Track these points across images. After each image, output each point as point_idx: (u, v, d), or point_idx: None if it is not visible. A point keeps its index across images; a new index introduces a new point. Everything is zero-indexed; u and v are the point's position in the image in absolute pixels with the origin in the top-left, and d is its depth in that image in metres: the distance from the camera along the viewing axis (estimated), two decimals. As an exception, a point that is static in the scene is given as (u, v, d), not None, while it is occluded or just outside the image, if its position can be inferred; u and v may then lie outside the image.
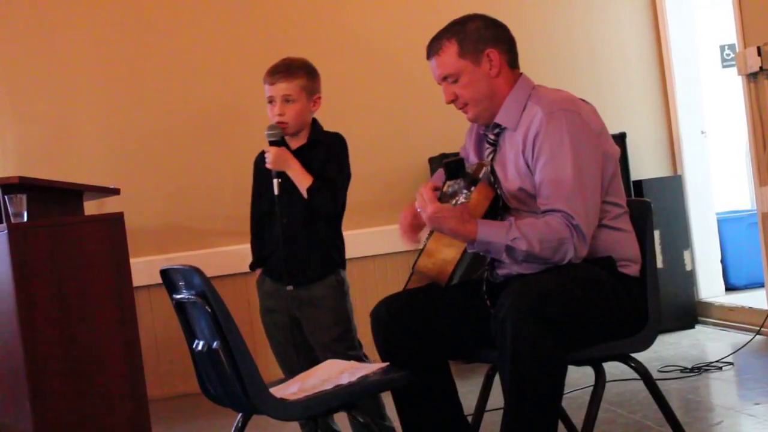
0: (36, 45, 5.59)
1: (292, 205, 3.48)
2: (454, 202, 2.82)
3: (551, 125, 2.89)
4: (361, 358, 3.47)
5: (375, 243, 5.59)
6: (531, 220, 2.87)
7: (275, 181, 3.47)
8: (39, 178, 4.13)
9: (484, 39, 3.00)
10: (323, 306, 3.50)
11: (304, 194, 3.44)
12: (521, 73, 3.07)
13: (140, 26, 5.68)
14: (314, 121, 3.58)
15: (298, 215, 3.49)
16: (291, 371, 3.44)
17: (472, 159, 3.19)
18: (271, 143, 3.49)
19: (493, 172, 3.03)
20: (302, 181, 3.45)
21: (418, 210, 2.93)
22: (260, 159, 3.60)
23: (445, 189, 2.90)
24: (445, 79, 3.03)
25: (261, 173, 3.60)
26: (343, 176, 3.52)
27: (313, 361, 3.35)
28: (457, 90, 3.02)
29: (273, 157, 3.47)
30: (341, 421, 3.54)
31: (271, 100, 3.51)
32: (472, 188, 2.87)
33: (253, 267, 3.67)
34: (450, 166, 2.90)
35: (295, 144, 3.55)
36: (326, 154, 3.50)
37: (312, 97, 3.52)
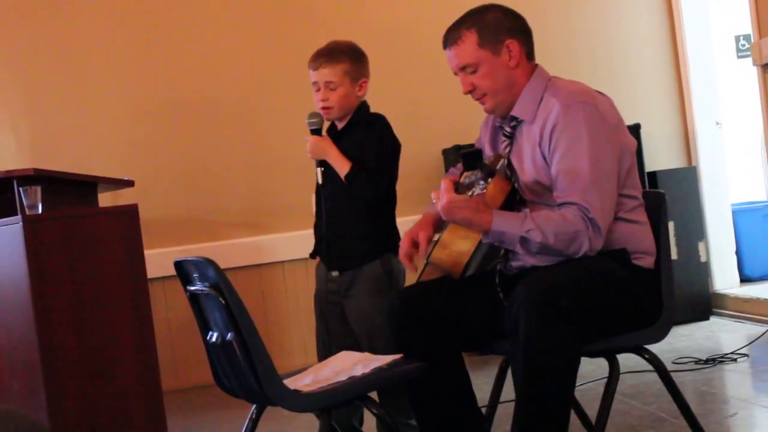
0: (50, 37, 5.59)
1: (335, 192, 3.47)
2: (470, 193, 2.81)
3: (568, 118, 2.88)
4: None
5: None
6: (547, 212, 2.87)
7: (318, 170, 3.48)
8: (53, 170, 4.14)
9: (503, 29, 2.99)
10: (366, 293, 3.47)
11: (344, 181, 3.43)
12: (537, 65, 3.07)
13: (154, 18, 5.68)
14: (362, 103, 3.54)
15: (342, 202, 3.47)
16: (325, 359, 3.42)
17: (487, 151, 3.18)
18: (312, 132, 3.49)
19: (509, 164, 3.02)
20: (341, 168, 3.42)
21: (434, 201, 2.92)
22: None
23: (461, 180, 2.88)
24: (463, 69, 3.02)
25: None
26: (383, 160, 3.45)
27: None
28: (476, 80, 3.01)
29: (311, 147, 3.47)
30: (369, 423, 3.53)
31: (315, 85, 3.49)
32: (489, 180, 2.86)
33: (313, 255, 3.66)
34: (467, 156, 2.88)
35: (341, 125, 3.54)
36: (364, 136, 3.46)
37: (357, 82, 3.48)
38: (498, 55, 2.99)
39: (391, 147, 3.50)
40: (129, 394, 3.85)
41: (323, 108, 3.47)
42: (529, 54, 3.05)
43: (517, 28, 3.02)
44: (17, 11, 5.57)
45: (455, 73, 3.07)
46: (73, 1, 5.62)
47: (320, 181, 3.49)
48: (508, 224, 2.83)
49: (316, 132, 3.49)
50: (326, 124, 3.57)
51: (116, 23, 5.64)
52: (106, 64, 5.63)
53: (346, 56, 3.47)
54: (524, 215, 2.85)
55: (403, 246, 3.10)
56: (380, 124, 3.50)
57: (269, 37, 5.70)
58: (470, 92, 3.05)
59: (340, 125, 3.55)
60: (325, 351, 3.52)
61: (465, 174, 2.88)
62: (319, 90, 3.47)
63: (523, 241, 2.82)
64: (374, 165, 3.43)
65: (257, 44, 5.72)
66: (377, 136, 3.47)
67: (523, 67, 3.02)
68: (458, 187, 2.87)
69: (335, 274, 3.51)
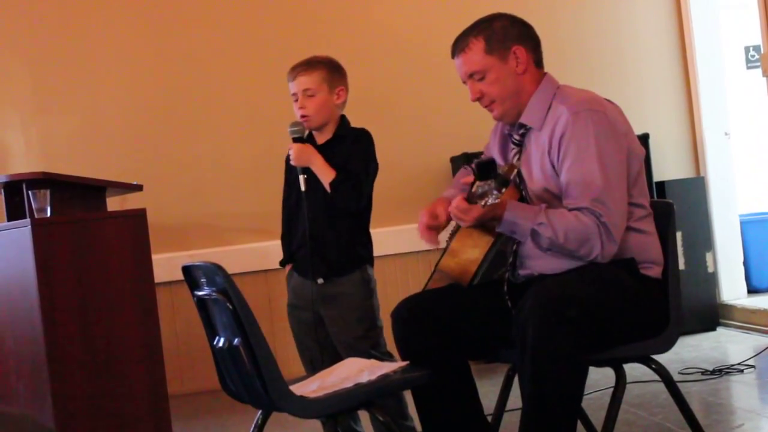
0: (61, 41, 5.61)
1: (318, 200, 3.48)
2: (483, 203, 2.82)
3: (577, 125, 2.88)
4: (384, 357, 3.46)
5: (396, 241, 5.58)
6: (563, 210, 2.87)
7: (301, 177, 3.48)
8: (62, 173, 4.15)
9: (510, 36, 3.00)
10: (347, 303, 3.49)
11: (328, 188, 3.45)
12: (546, 73, 3.07)
13: (165, 23, 5.70)
14: (342, 117, 3.57)
15: (324, 211, 3.48)
16: (313, 368, 3.44)
17: (496, 159, 3.18)
18: (294, 140, 3.50)
19: (518, 172, 3.03)
20: (325, 175, 3.45)
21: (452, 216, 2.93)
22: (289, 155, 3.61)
23: (474, 189, 2.89)
24: (471, 76, 3.03)
25: (290, 169, 3.61)
26: (368, 172, 3.50)
27: (337, 359, 3.35)
28: (484, 87, 3.02)
29: (296, 154, 3.48)
30: (365, 421, 3.54)
31: (294, 96, 3.52)
32: (503, 190, 2.87)
33: (283, 263, 3.67)
34: (481, 166, 2.89)
35: (321, 139, 3.55)
36: (350, 148, 3.49)
37: (334, 90, 3.51)
38: (505, 62, 3.00)
39: (375, 161, 3.54)
40: (135, 398, 3.86)
41: (302, 117, 3.50)
42: (538, 62, 3.06)
43: (524, 35, 3.03)
44: (27, 15, 5.58)
45: (464, 82, 3.08)
46: (84, 6, 5.64)
47: (303, 189, 3.49)
48: (521, 215, 2.85)
49: (299, 140, 3.51)
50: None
51: (127, 27, 5.66)
52: (115, 68, 5.65)
53: (323, 65, 3.52)
54: (539, 209, 2.86)
55: (422, 222, 3.07)
56: (366, 138, 3.54)
57: (278, 42, 5.71)
58: (478, 99, 3.05)
59: (319, 139, 3.56)
60: (314, 361, 3.52)
61: (477, 184, 2.89)
62: (297, 100, 3.51)
63: (534, 234, 2.84)
64: (362, 176, 3.46)
65: (267, 50, 5.72)
66: (365, 149, 3.51)
67: (531, 73, 3.03)
68: (470, 197, 2.88)
69: (320, 281, 3.51)
